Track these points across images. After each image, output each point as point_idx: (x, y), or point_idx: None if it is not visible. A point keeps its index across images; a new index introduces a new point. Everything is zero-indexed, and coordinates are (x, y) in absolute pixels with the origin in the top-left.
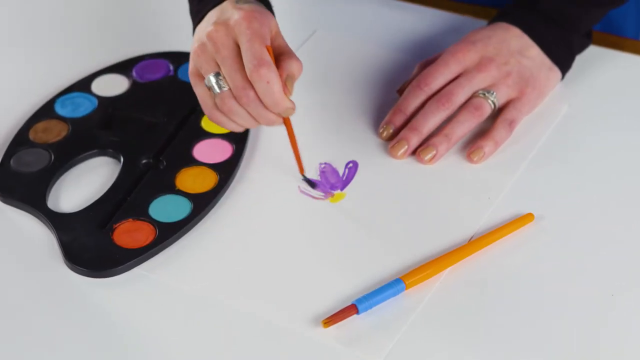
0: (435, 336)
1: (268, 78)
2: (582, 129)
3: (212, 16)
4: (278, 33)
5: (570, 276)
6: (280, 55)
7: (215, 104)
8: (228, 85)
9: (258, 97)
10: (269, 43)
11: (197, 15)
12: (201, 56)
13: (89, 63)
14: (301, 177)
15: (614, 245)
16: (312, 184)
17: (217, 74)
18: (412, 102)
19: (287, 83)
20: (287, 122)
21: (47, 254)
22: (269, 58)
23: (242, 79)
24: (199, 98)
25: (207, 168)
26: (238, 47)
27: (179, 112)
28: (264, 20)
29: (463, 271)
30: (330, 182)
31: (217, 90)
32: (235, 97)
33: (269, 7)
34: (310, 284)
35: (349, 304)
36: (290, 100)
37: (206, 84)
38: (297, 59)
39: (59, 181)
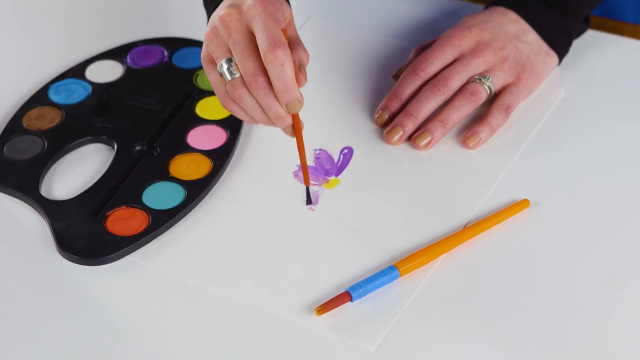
0: (429, 323)
1: (283, 60)
2: (579, 115)
3: (226, 2)
4: (291, 22)
5: (565, 263)
6: (290, 44)
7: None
8: (239, 71)
9: (268, 85)
10: (283, 27)
11: (212, 3)
12: (213, 40)
13: (83, 49)
14: (304, 187)
15: (609, 232)
16: (309, 197)
17: (230, 60)
18: (408, 87)
19: (300, 69)
20: (297, 128)
21: (40, 241)
22: (284, 40)
23: (253, 64)
24: (212, 84)
25: (201, 155)
26: (251, 32)
27: (173, 98)
28: (279, 5)
29: (458, 258)
30: (325, 168)
31: (229, 77)
32: (245, 85)
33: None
34: (304, 271)
35: (343, 291)
36: (300, 93)
37: (218, 70)
38: (306, 50)
39: (52, 168)
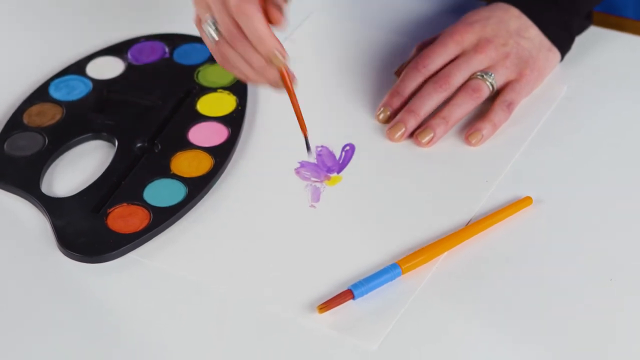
0: (432, 322)
1: (249, 11)
2: (582, 111)
3: None
4: None
5: (568, 260)
6: None
7: None
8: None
9: (243, 35)
10: None
11: None
12: (200, 2)
13: (84, 45)
14: (304, 138)
15: (613, 229)
16: (308, 145)
17: (215, 21)
18: (410, 84)
19: (274, 7)
20: (283, 77)
21: (41, 239)
22: None
23: (229, 19)
24: (208, 47)
25: (202, 152)
26: None
27: (174, 95)
28: None
29: (460, 255)
30: (327, 165)
31: (215, 37)
32: (227, 41)
33: None
34: (306, 269)
35: (345, 289)
36: (278, 41)
37: (205, 32)
38: None
39: (52, 165)
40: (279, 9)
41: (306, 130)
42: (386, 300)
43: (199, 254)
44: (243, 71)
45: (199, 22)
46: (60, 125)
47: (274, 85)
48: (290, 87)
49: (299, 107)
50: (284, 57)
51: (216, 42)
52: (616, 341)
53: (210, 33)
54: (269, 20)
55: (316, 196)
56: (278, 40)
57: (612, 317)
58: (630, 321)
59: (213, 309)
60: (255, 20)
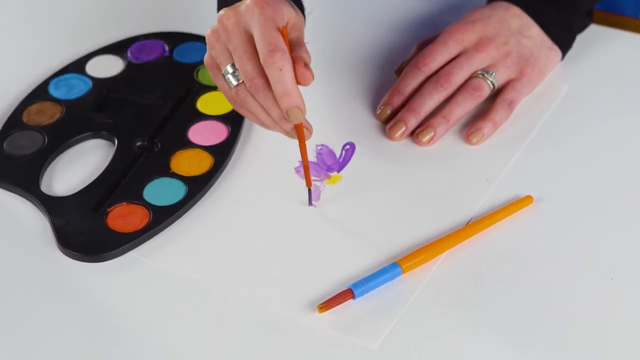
0: (432, 321)
1: (281, 65)
2: (583, 110)
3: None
4: (295, 24)
5: (569, 259)
6: (292, 46)
7: None
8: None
9: (267, 87)
10: (283, 26)
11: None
12: (215, 46)
13: (83, 44)
14: (307, 189)
15: (613, 228)
16: (310, 199)
17: (234, 65)
18: (410, 82)
19: (306, 68)
20: (299, 131)
21: (40, 238)
22: (283, 45)
23: (252, 68)
24: (221, 90)
25: (202, 150)
26: (250, 34)
27: (174, 93)
28: (277, 6)
29: (461, 255)
30: (327, 164)
31: (234, 82)
32: (247, 88)
33: (299, 5)
34: (306, 268)
35: (345, 288)
36: (301, 98)
37: (224, 76)
38: (307, 51)
39: (52, 164)
40: (309, 67)
41: (311, 183)
42: (386, 300)
43: (199, 253)
44: (259, 118)
45: (213, 66)
46: (60, 124)
47: (288, 135)
48: (303, 142)
49: (307, 160)
50: (303, 114)
51: (234, 87)
52: (616, 340)
53: (229, 79)
54: (296, 78)
55: (316, 195)
56: (301, 97)
57: (612, 316)
58: (630, 320)
59: (213, 308)
60: (286, 74)
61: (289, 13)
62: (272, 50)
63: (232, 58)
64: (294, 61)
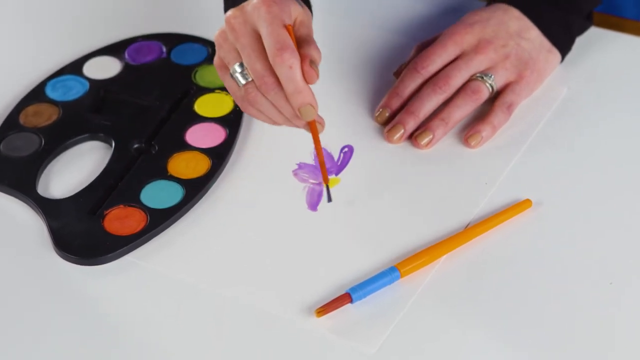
0: (430, 325)
1: (290, 63)
2: (582, 113)
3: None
4: (303, 21)
5: (568, 264)
6: (300, 42)
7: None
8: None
9: (278, 85)
10: (290, 24)
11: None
12: (223, 46)
13: (81, 45)
14: (324, 186)
15: (613, 232)
16: (329, 195)
17: (242, 64)
18: (409, 85)
19: (312, 66)
20: (313, 127)
21: (37, 241)
22: (291, 43)
23: (262, 66)
24: (228, 90)
25: (199, 153)
26: (257, 33)
27: (171, 95)
28: (284, 5)
29: (459, 259)
30: (326, 166)
31: (242, 81)
32: (257, 87)
33: (307, 2)
34: (303, 272)
35: (343, 292)
36: (312, 94)
37: (231, 76)
38: (318, 48)
39: (49, 166)
40: (314, 66)
41: (328, 179)
42: (385, 304)
43: (196, 256)
44: (270, 117)
45: (221, 66)
46: (57, 126)
47: (305, 129)
48: (317, 137)
49: (322, 156)
50: (316, 110)
51: (243, 87)
52: (615, 344)
53: (237, 78)
54: (303, 76)
55: (315, 198)
56: (313, 94)
57: (611, 320)
58: (629, 324)
59: (210, 311)
60: (296, 72)
61: (296, 10)
62: (280, 49)
63: (240, 57)
64: (301, 59)
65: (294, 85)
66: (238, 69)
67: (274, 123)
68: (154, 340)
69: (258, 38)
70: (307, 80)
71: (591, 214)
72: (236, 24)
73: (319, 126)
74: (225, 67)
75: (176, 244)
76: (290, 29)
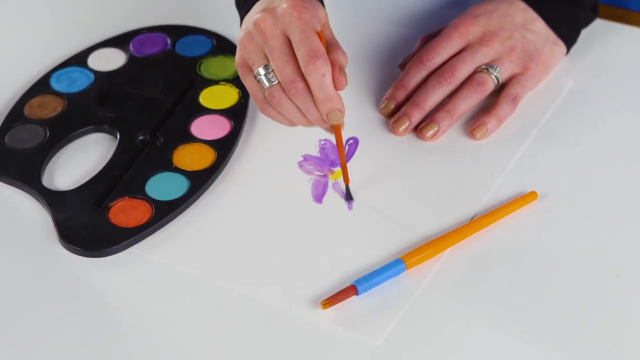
0: (436, 317)
1: (324, 71)
2: (588, 105)
3: (260, 4)
4: (326, 24)
5: (573, 256)
6: (327, 47)
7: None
8: (277, 78)
9: (307, 90)
10: (320, 30)
11: (245, 5)
12: (249, 47)
13: (85, 37)
14: (344, 186)
15: (618, 224)
16: (349, 195)
17: (267, 66)
18: (414, 77)
19: (341, 73)
20: (337, 131)
21: (42, 233)
22: (324, 50)
23: (292, 71)
24: (248, 90)
25: (205, 145)
26: (287, 37)
27: (176, 87)
28: (314, 10)
29: (465, 251)
30: (330, 158)
31: (267, 84)
32: (284, 90)
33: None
34: (309, 264)
35: (348, 284)
36: (341, 100)
37: (255, 77)
38: (343, 52)
39: (54, 158)
40: (343, 72)
41: (349, 180)
42: (390, 296)
43: (201, 249)
44: (292, 119)
45: (244, 66)
46: (62, 118)
47: (325, 130)
48: (340, 140)
49: (344, 158)
50: (344, 115)
51: (267, 89)
52: (621, 336)
53: (262, 80)
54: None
55: (320, 191)
56: (341, 99)
57: (617, 312)
58: (635, 317)
59: (215, 304)
60: (328, 80)
61: (322, 14)
62: (314, 57)
63: (265, 60)
64: (332, 65)
65: (326, 93)
66: (262, 71)
67: (292, 125)
68: (158, 332)
69: (288, 42)
70: (336, 86)
71: (597, 206)
72: (266, 26)
73: (338, 114)
74: (248, 67)
75: (181, 236)
76: (322, 36)
